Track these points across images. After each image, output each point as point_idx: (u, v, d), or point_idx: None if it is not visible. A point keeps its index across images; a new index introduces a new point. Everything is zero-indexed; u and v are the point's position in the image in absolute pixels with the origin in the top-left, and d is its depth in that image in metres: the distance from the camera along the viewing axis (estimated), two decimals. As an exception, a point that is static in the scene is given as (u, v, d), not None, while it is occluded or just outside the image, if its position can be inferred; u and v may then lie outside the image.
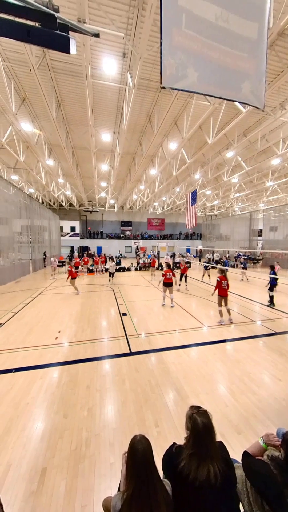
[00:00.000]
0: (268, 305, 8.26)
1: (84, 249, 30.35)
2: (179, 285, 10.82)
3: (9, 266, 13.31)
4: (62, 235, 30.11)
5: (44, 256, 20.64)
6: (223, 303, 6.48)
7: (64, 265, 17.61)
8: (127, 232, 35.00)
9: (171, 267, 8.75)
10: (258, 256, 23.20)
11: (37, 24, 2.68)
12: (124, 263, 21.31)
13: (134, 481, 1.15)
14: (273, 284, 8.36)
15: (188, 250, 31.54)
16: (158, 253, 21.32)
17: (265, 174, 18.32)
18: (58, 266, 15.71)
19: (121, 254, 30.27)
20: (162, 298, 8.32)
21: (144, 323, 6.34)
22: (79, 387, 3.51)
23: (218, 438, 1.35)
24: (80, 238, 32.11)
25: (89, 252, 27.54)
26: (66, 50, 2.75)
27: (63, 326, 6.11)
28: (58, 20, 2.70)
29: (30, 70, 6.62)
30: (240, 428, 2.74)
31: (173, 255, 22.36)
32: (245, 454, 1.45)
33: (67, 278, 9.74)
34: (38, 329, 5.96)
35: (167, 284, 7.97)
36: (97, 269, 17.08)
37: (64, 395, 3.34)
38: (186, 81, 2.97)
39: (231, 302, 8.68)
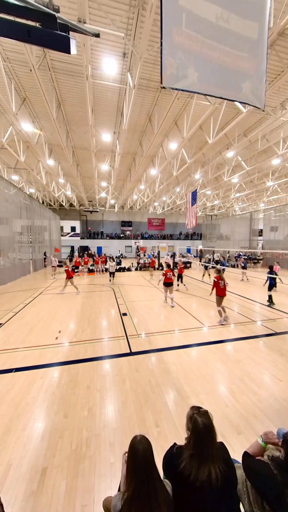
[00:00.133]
0: (268, 305, 8.28)
1: (84, 249, 30.34)
2: (178, 285, 10.88)
3: (10, 266, 13.33)
4: (62, 235, 30.13)
5: (45, 256, 20.66)
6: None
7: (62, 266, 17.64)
8: (128, 232, 34.99)
9: (171, 267, 8.80)
10: (258, 256, 23.18)
11: (37, 24, 2.67)
12: (125, 263, 21.31)
13: (134, 481, 1.15)
14: (271, 283, 8.42)
15: (189, 250, 31.56)
16: (159, 253, 21.32)
17: (265, 174, 18.31)
18: (58, 266, 15.75)
19: (121, 254, 30.26)
20: (164, 298, 8.52)
21: (144, 323, 6.34)
22: (79, 387, 3.51)
23: (218, 438, 1.35)
24: (81, 238, 32.12)
25: (90, 252, 27.55)
26: (67, 50, 2.75)
27: (63, 326, 6.12)
28: (58, 20, 2.70)
29: (31, 70, 6.62)
30: (240, 428, 2.73)
31: (173, 255, 22.36)
32: (245, 455, 1.45)
33: (66, 278, 9.89)
34: (39, 329, 5.96)
35: (167, 284, 8.06)
36: (98, 269, 17.10)
37: (65, 395, 3.34)
38: (186, 81, 2.97)
39: (231, 302, 8.71)
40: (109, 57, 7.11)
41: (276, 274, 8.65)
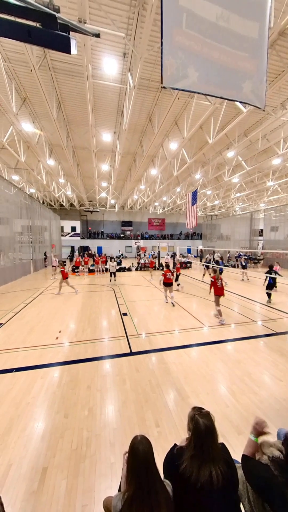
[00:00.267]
0: (267, 303, 8.35)
1: (84, 249, 30.36)
2: (178, 284, 10.91)
3: (10, 266, 13.35)
4: (62, 235, 30.13)
5: (45, 256, 20.68)
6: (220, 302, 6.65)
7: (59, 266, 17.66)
8: (128, 232, 34.99)
9: (171, 268, 8.88)
10: (258, 256, 23.16)
11: (37, 25, 2.68)
12: (125, 263, 21.32)
13: (134, 481, 1.15)
14: (269, 282, 8.51)
15: (189, 250, 31.56)
16: (159, 253, 21.31)
17: (266, 174, 18.29)
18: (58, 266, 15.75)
19: (121, 254, 30.27)
20: (164, 298, 8.65)
21: (145, 323, 6.34)
22: (79, 387, 3.51)
23: (219, 438, 1.35)
24: (81, 238, 32.13)
25: (90, 252, 27.56)
26: (67, 50, 2.76)
27: (63, 326, 6.12)
28: (58, 21, 2.70)
29: (31, 70, 6.62)
30: (240, 428, 2.73)
31: (173, 255, 22.36)
32: (244, 458, 1.44)
33: (62, 279, 9.84)
34: (39, 329, 5.97)
35: (167, 284, 8.17)
36: (98, 269, 17.11)
37: (65, 395, 3.34)
38: (186, 81, 2.96)
39: (231, 302, 8.72)
40: (109, 57, 7.11)
41: (279, 274, 8.68)
